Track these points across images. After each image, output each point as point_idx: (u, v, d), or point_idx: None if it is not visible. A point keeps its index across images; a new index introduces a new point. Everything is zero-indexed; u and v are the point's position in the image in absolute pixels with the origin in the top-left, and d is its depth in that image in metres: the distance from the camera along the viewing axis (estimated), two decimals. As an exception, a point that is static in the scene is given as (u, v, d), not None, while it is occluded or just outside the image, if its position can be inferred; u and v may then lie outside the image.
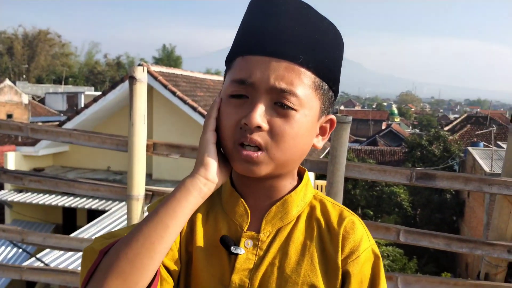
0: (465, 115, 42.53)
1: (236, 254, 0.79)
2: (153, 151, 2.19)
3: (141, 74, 1.97)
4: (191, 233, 0.83)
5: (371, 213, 21.29)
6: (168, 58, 44.18)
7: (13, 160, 9.29)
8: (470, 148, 21.59)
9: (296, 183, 0.85)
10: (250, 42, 0.76)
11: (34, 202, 8.59)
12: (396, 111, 65.64)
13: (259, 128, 0.73)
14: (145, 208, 0.78)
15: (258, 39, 0.75)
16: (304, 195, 0.84)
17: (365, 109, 70.97)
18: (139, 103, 1.95)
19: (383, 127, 47.99)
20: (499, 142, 22.31)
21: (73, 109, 24.87)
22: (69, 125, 9.21)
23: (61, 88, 40.02)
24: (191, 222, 0.83)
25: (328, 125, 0.84)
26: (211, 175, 0.77)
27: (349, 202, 20.52)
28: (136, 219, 1.98)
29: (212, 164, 0.77)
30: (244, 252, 0.79)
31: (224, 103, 0.78)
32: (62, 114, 25.90)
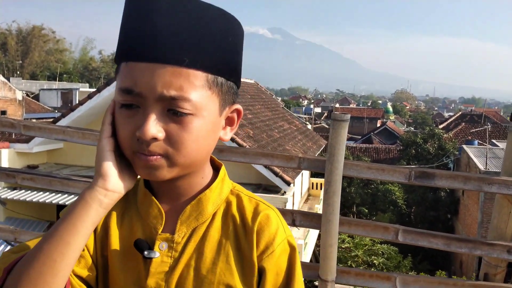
0: (460, 113, 42.79)
1: (151, 258, 0.76)
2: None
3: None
4: (106, 236, 0.80)
5: (366, 211, 21.38)
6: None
7: (6, 157, 9.21)
8: (464, 146, 21.69)
9: (210, 177, 0.82)
10: (130, 48, 0.70)
11: (28, 199, 8.53)
12: (391, 109, 65.92)
13: (155, 139, 0.69)
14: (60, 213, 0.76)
15: (137, 44, 0.69)
16: (220, 191, 0.81)
17: (360, 107, 71.18)
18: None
19: (378, 125, 48.17)
20: (493, 140, 22.43)
21: (67, 106, 24.71)
22: (63, 122, 9.15)
23: (56, 84, 39.79)
24: (106, 224, 0.80)
25: (235, 115, 0.80)
26: (110, 185, 0.73)
27: (344, 200, 20.59)
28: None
29: (111, 173, 0.73)
30: (159, 255, 0.76)
31: (117, 111, 0.73)
32: (56, 111, 25.76)
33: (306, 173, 13.18)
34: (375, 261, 12.53)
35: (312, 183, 15.64)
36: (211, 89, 0.73)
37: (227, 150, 2.05)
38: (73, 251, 0.69)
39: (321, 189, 14.15)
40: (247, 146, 8.38)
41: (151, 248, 0.77)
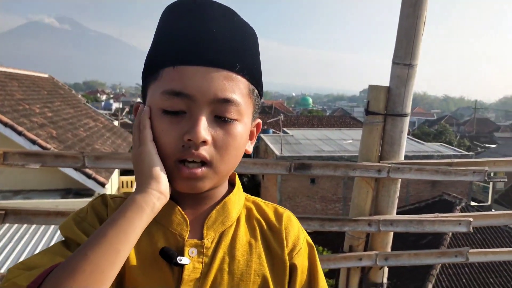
0: (254, 105, 46.68)
1: (182, 265, 0.73)
2: (3, 162, 1.83)
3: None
4: None
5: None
6: None
7: None
8: (262, 135, 24.03)
9: (227, 186, 0.84)
10: (182, 51, 0.71)
11: None
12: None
13: (204, 142, 0.70)
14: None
15: (192, 48, 0.71)
16: (239, 197, 0.84)
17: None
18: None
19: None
20: (284, 129, 25.47)
21: None
22: None
23: None
24: None
25: (255, 129, 0.84)
26: (163, 188, 0.71)
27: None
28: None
29: (163, 176, 0.72)
30: (190, 261, 0.74)
31: (157, 117, 0.72)
32: None
33: (115, 172, 12.52)
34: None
35: (122, 182, 15.09)
36: (251, 98, 0.76)
37: (106, 157, 1.89)
38: (122, 260, 0.64)
39: (131, 187, 13.73)
40: (52, 148, 7.60)
41: (179, 255, 0.74)
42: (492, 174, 2.16)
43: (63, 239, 0.74)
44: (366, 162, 2.07)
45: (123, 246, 0.64)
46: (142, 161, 0.72)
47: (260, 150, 24.30)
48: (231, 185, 0.86)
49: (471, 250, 2.24)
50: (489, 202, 21.45)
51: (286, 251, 0.82)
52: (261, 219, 0.84)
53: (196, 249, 0.76)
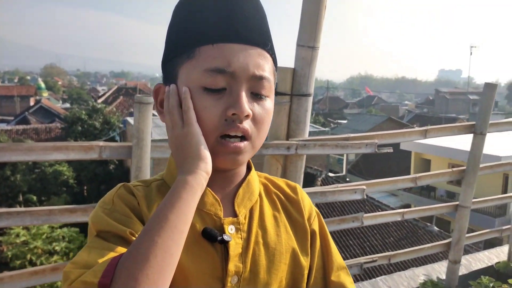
0: (116, 87, 44.47)
1: (226, 242, 0.76)
2: None
3: None
4: None
5: (34, 198, 19.78)
6: None
7: None
8: (128, 119, 23.07)
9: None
10: (220, 29, 0.74)
11: None
12: (43, 85, 61.78)
13: (247, 116, 0.74)
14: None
15: (229, 26, 0.74)
16: (256, 175, 0.89)
17: (6, 84, 63.52)
18: None
19: (32, 103, 44.45)
20: (153, 111, 24.78)
21: None
22: None
23: None
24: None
25: None
26: (209, 168, 0.73)
27: (9, 190, 18.47)
28: None
29: (209, 156, 0.74)
30: (231, 238, 0.78)
31: (197, 95, 0.74)
32: None
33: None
34: (56, 248, 11.97)
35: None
36: (274, 77, 0.80)
37: (7, 148, 1.68)
38: (184, 241, 0.66)
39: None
40: None
41: (221, 234, 0.77)
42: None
43: (95, 233, 0.72)
44: (276, 141, 2.17)
45: (185, 227, 0.66)
46: (189, 142, 0.73)
47: (127, 135, 23.33)
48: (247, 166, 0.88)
49: (365, 215, 2.53)
50: (344, 172, 23.96)
51: (306, 219, 0.89)
52: (278, 193, 0.91)
53: (234, 226, 0.80)
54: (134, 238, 0.69)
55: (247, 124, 0.74)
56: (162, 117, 0.82)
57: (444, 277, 3.02)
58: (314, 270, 0.89)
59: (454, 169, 2.90)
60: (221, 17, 0.74)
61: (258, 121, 0.76)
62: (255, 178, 0.88)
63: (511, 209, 16.91)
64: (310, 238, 0.89)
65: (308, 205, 0.93)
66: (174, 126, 0.75)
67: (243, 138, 0.75)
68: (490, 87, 2.77)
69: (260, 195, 0.87)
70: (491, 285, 2.73)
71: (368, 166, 24.33)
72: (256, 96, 0.76)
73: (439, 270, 3.24)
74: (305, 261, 0.87)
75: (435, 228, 15.30)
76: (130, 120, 22.63)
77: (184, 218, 0.66)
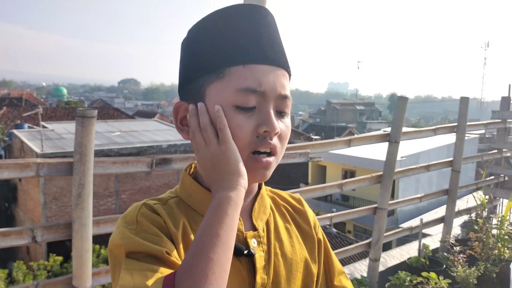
0: (-2, 97, 40.46)
1: (252, 256, 0.79)
2: None
3: None
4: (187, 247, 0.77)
5: None
6: None
7: None
8: (15, 131, 21.05)
9: None
10: (250, 51, 0.77)
11: None
12: None
13: (276, 133, 0.77)
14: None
15: (258, 48, 0.77)
16: (265, 189, 0.92)
17: None
18: None
19: None
20: (42, 123, 22.92)
21: None
22: None
23: None
24: (187, 241, 0.76)
25: None
26: (246, 184, 0.75)
27: None
28: None
29: (245, 173, 0.76)
30: (256, 252, 0.81)
31: (230, 113, 0.76)
32: None
33: None
34: None
35: None
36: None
37: None
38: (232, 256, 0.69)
39: None
40: None
41: (246, 247, 0.80)
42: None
43: (123, 254, 0.70)
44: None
45: (233, 243, 0.68)
46: (228, 159, 0.74)
47: (14, 149, 21.26)
48: None
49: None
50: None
51: (312, 228, 0.94)
52: (286, 205, 0.95)
53: (255, 239, 0.82)
54: (170, 258, 0.69)
55: (275, 141, 0.78)
56: (184, 134, 0.82)
57: (365, 274, 3.25)
58: (320, 276, 0.94)
59: (373, 175, 3.15)
60: (250, 38, 0.77)
61: (283, 137, 0.80)
62: (266, 192, 0.91)
63: (397, 210, 18.65)
64: (317, 246, 0.94)
65: (312, 215, 0.98)
66: (209, 144, 0.76)
67: (270, 154, 0.78)
68: (402, 100, 3.07)
69: (271, 208, 0.91)
70: (408, 278, 3.00)
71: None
72: (280, 114, 0.80)
73: (360, 268, 3.47)
74: (314, 269, 0.92)
75: (334, 230, 16.30)
76: (17, 133, 20.69)
77: (232, 234, 0.68)
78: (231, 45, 0.77)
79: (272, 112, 0.76)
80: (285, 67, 0.80)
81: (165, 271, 0.65)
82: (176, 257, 0.70)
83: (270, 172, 0.79)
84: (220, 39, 0.77)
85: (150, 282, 0.63)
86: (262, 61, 0.76)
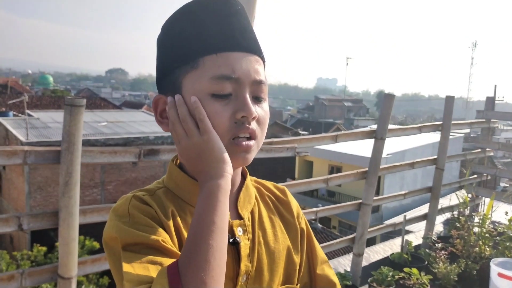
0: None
1: (237, 244, 0.81)
2: None
3: None
4: (181, 239, 0.78)
5: None
6: None
7: None
8: (0, 119, 20.73)
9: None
10: (223, 40, 0.78)
11: None
12: None
13: (253, 118, 0.79)
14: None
15: (230, 36, 0.79)
16: (249, 179, 0.94)
17: None
18: None
19: None
20: (28, 111, 22.59)
21: None
22: None
23: None
24: (177, 228, 0.78)
25: None
26: (231, 170, 0.77)
27: None
28: None
29: (230, 160, 0.77)
30: (241, 240, 0.83)
31: (206, 102, 0.77)
32: None
33: None
34: None
35: None
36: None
37: None
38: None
39: None
40: None
41: (231, 236, 0.81)
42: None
43: (120, 247, 0.71)
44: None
45: (226, 227, 0.70)
46: (212, 148, 0.75)
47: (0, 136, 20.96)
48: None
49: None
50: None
51: (295, 218, 0.96)
52: (270, 195, 0.97)
53: (241, 228, 0.84)
54: (167, 246, 0.70)
55: (253, 125, 0.79)
56: (163, 127, 0.83)
57: (349, 269, 3.30)
58: (302, 265, 0.96)
59: (358, 170, 3.19)
60: (222, 28, 0.79)
61: (261, 122, 0.81)
62: (250, 182, 0.93)
63: (382, 207, 18.86)
64: (300, 236, 0.96)
65: (295, 206, 1.00)
66: (191, 135, 0.77)
67: (250, 138, 0.80)
68: (388, 98, 3.11)
69: (256, 198, 0.93)
70: (390, 274, 3.05)
71: (254, 167, 25.18)
72: (257, 99, 0.81)
73: (343, 263, 3.53)
74: (297, 258, 0.94)
75: (319, 225, 16.43)
76: (2, 120, 20.38)
77: (226, 220, 0.70)
78: (203, 35, 0.78)
79: (248, 97, 0.78)
80: (258, 53, 0.82)
81: (165, 261, 0.67)
82: (171, 244, 0.72)
83: (251, 156, 0.81)
84: (192, 31, 0.79)
85: (154, 273, 0.65)
86: (235, 49, 0.78)
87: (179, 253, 0.70)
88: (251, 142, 0.79)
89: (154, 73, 0.87)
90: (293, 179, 21.94)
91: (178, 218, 0.79)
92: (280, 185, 1.02)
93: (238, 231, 0.83)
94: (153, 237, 0.70)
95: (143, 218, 0.74)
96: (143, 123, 21.43)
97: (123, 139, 17.83)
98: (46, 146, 1.89)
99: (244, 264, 0.82)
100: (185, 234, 0.78)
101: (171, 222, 0.76)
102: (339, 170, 20.44)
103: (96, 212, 1.91)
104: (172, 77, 0.80)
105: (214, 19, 0.79)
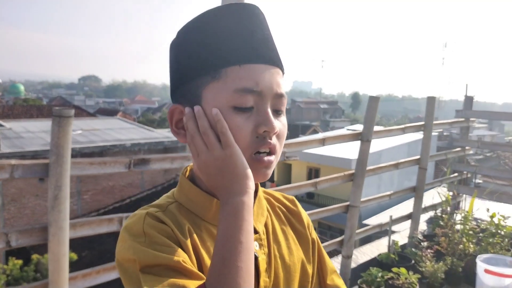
0: (-51, 93, 38.54)
1: (255, 259, 0.79)
2: None
3: None
4: (199, 258, 0.76)
5: None
6: None
7: None
8: (-31, 130, 20.08)
9: None
10: (246, 51, 0.76)
11: None
12: None
13: (275, 133, 0.77)
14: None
15: (253, 47, 0.76)
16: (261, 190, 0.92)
17: None
18: None
19: None
20: (-1, 121, 21.93)
21: None
22: None
23: None
24: (194, 247, 0.75)
25: None
26: (254, 187, 0.75)
27: None
28: None
29: (252, 176, 0.75)
30: (259, 255, 0.81)
31: (228, 115, 0.75)
32: None
33: None
34: None
35: None
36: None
37: None
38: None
39: None
40: None
41: None
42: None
43: (137, 269, 0.68)
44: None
45: (253, 246, 0.69)
46: (235, 163, 0.73)
47: (-33, 148, 20.28)
48: None
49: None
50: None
51: (306, 228, 0.95)
52: (281, 206, 0.95)
53: (257, 242, 0.82)
54: (188, 266, 0.67)
55: (274, 140, 0.77)
56: (180, 138, 0.80)
57: (338, 271, 3.31)
58: (314, 276, 0.94)
59: (345, 173, 3.21)
60: (244, 38, 0.76)
61: (280, 136, 0.80)
62: (262, 194, 0.91)
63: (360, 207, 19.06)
64: (311, 247, 0.95)
65: (305, 216, 0.98)
66: (212, 149, 0.74)
67: (270, 153, 0.78)
68: (373, 100, 3.14)
69: (267, 210, 0.91)
70: (380, 274, 3.08)
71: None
72: (277, 112, 0.79)
73: (332, 266, 3.53)
74: (310, 269, 0.92)
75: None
76: (-29, 131, 19.74)
77: (251, 237, 0.68)
78: (225, 45, 0.75)
79: (270, 112, 0.76)
80: (279, 65, 0.80)
81: (187, 283, 0.64)
82: (191, 265, 0.69)
83: (271, 171, 0.79)
84: (213, 40, 0.76)
85: None
86: (258, 61, 0.76)
87: (200, 274, 0.67)
88: (272, 158, 0.78)
89: (127, 79, 0.83)
90: (273, 182, 21.97)
91: (194, 235, 0.76)
92: (287, 195, 1.00)
93: (255, 246, 0.81)
94: (173, 257, 0.67)
95: (160, 237, 0.71)
96: (119, 131, 21.11)
97: (99, 147, 17.51)
98: (20, 157, 1.83)
99: (263, 279, 0.81)
100: (202, 251, 0.75)
101: (188, 241, 0.74)
102: (317, 172, 20.58)
103: (87, 225, 1.86)
104: (189, 86, 0.77)
105: (237, 28, 0.76)
